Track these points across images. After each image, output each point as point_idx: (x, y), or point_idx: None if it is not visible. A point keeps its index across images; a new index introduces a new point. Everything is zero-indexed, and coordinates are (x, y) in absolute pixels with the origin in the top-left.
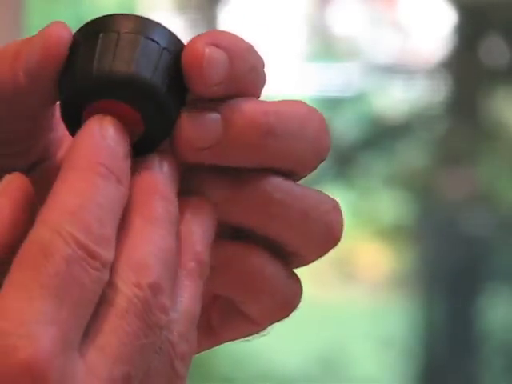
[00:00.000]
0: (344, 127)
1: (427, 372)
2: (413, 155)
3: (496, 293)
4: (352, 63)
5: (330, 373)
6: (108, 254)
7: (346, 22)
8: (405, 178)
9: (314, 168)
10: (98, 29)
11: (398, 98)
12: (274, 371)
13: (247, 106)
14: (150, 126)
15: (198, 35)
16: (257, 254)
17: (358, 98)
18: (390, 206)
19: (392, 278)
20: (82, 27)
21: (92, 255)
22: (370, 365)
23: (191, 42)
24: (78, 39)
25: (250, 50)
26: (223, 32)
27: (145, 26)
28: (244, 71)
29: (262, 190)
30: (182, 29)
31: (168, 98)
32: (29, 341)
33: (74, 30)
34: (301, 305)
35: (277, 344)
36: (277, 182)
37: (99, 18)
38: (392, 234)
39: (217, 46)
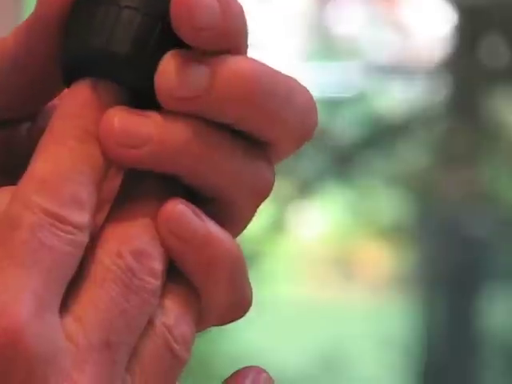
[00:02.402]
0: (344, 127)
1: (427, 372)
2: (413, 155)
3: (496, 292)
4: (352, 63)
5: (329, 372)
6: (81, 218)
7: (345, 21)
8: (405, 178)
9: (297, 146)
10: None
11: (397, 98)
12: (274, 371)
13: (236, 60)
14: (142, 92)
15: None
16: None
17: (358, 98)
18: (390, 205)
19: (392, 277)
20: None
21: (61, 220)
22: (369, 365)
23: None
24: (80, 2)
25: (242, 9)
26: None
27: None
28: (236, 27)
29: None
30: None
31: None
32: (2, 309)
33: None
34: (301, 305)
35: (277, 344)
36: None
37: None
38: (392, 233)
39: None
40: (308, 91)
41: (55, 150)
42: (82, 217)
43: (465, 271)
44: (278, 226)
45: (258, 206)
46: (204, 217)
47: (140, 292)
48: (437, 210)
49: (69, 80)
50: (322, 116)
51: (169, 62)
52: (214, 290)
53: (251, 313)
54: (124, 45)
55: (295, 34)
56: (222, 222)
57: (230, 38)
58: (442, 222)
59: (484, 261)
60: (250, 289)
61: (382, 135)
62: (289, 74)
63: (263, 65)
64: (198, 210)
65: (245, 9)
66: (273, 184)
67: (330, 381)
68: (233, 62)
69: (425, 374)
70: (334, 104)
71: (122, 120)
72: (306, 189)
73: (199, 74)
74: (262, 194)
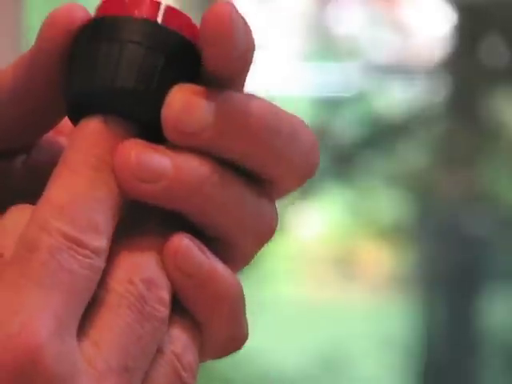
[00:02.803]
0: (344, 127)
1: (427, 372)
2: (412, 155)
3: (496, 292)
4: (352, 63)
5: (329, 372)
6: (98, 243)
7: (345, 21)
8: (405, 178)
9: (299, 184)
10: (103, 34)
11: (397, 98)
12: (273, 371)
13: (242, 97)
14: (152, 126)
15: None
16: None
17: (358, 98)
18: (389, 205)
19: (392, 277)
20: (87, 25)
21: (79, 244)
22: (369, 365)
23: (213, 8)
24: (83, 38)
25: (253, 44)
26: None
27: (150, 31)
28: (246, 64)
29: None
30: None
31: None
32: (21, 327)
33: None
34: (301, 305)
35: (277, 344)
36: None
37: (104, 18)
38: (392, 233)
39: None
40: (310, 129)
41: (71, 178)
42: (100, 242)
43: (465, 271)
44: (277, 227)
45: (260, 248)
46: (209, 253)
47: (152, 319)
48: (437, 210)
49: (75, 115)
50: (321, 116)
51: (175, 97)
52: (215, 325)
53: (251, 313)
54: (130, 80)
55: (295, 33)
56: (223, 260)
57: (239, 75)
58: (442, 222)
59: (484, 261)
60: (247, 323)
61: (381, 135)
62: (293, 113)
63: (268, 102)
64: (203, 246)
65: (244, 9)
66: (276, 227)
67: (330, 381)
68: (239, 99)
69: (425, 373)
70: (334, 104)
71: (138, 154)
72: (305, 189)
73: (205, 110)
74: (265, 237)
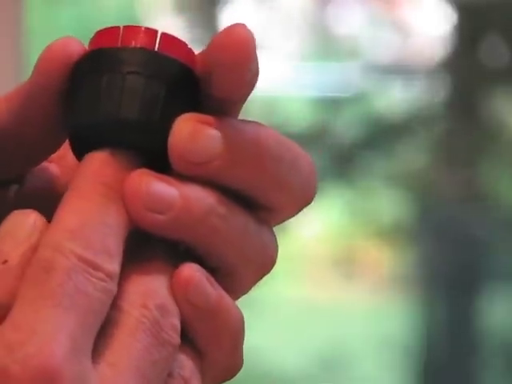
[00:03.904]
0: (344, 127)
1: (427, 372)
2: (413, 155)
3: (496, 292)
4: (352, 63)
5: (329, 372)
6: (111, 266)
7: (345, 21)
8: (405, 178)
9: (298, 211)
10: (102, 66)
11: (397, 98)
12: (274, 371)
13: (248, 126)
14: (157, 155)
15: (227, 28)
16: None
17: (358, 98)
18: (389, 205)
19: (392, 277)
20: (85, 58)
21: (94, 266)
22: (369, 365)
23: (229, 32)
24: (82, 71)
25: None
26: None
27: (149, 60)
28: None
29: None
30: (182, 29)
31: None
32: (40, 348)
33: (74, 33)
34: (301, 305)
35: (276, 344)
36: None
37: (101, 50)
38: (392, 233)
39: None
40: (309, 156)
41: (81, 204)
42: (112, 265)
43: (465, 271)
44: (277, 226)
45: (260, 278)
46: (216, 285)
47: (166, 345)
48: (437, 210)
49: (77, 146)
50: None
51: (181, 126)
52: (216, 354)
53: (251, 313)
54: (133, 111)
55: (295, 33)
56: (224, 289)
57: (244, 99)
58: (442, 222)
59: (484, 261)
60: (242, 353)
61: (381, 135)
62: (291, 140)
63: (271, 130)
64: (211, 278)
65: (244, 9)
66: (276, 259)
67: (329, 381)
68: (244, 127)
69: (425, 373)
70: (334, 104)
71: (148, 184)
72: None
73: (212, 140)
74: (265, 268)
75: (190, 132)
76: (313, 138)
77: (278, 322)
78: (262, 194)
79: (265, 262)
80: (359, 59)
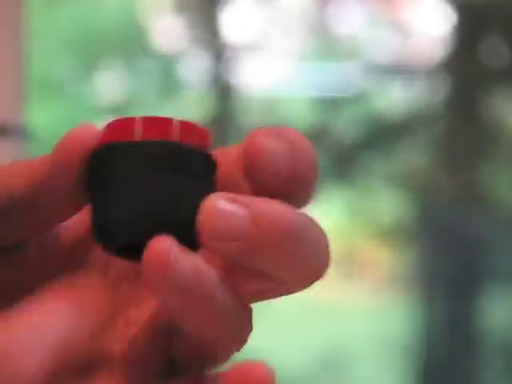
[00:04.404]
0: (344, 127)
1: (427, 372)
2: (412, 155)
3: (495, 293)
4: (352, 63)
5: (330, 372)
6: None
7: (346, 21)
8: (404, 178)
9: (311, 284)
10: (122, 164)
11: (397, 98)
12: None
13: (274, 206)
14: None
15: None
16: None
17: (358, 98)
18: (389, 205)
19: (392, 277)
20: (100, 156)
21: None
22: (369, 365)
23: (251, 137)
24: (106, 166)
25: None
26: (282, 127)
27: (171, 153)
28: (307, 166)
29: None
30: (181, 29)
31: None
32: None
33: (74, 33)
34: (300, 304)
35: (277, 344)
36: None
37: (120, 145)
38: (392, 233)
39: (277, 136)
40: (324, 232)
41: None
42: None
43: (465, 271)
44: None
45: (230, 355)
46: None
47: None
48: (437, 210)
49: (103, 238)
50: (321, 116)
51: (210, 204)
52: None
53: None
54: (164, 206)
55: (295, 33)
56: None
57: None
58: (442, 222)
59: (484, 261)
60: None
61: (381, 135)
62: (309, 216)
63: (295, 210)
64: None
65: (244, 9)
66: (245, 342)
67: (330, 380)
68: (271, 208)
69: (425, 373)
70: (334, 104)
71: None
72: None
73: (242, 219)
74: (238, 347)
75: (219, 210)
76: (313, 137)
77: (278, 321)
78: (276, 271)
79: (239, 342)
80: (359, 59)
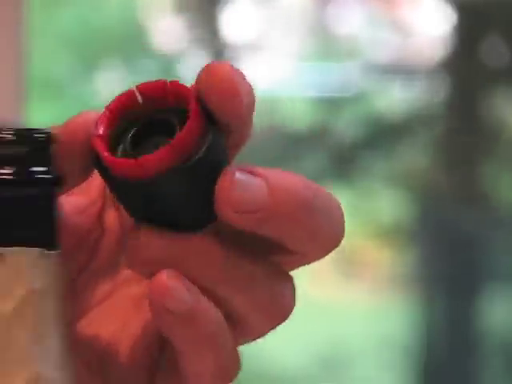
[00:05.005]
0: (344, 127)
1: (427, 372)
2: (413, 155)
3: (495, 293)
4: (352, 63)
5: (330, 372)
6: None
7: (345, 21)
8: (405, 178)
9: (326, 254)
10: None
11: (397, 98)
12: (274, 371)
13: (288, 177)
14: None
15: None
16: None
17: (358, 98)
18: (389, 205)
19: (392, 277)
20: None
21: None
22: (369, 364)
23: (213, 69)
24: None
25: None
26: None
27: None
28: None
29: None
30: (181, 29)
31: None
32: None
33: (74, 34)
34: (301, 304)
35: (277, 344)
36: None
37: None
38: (392, 233)
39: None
40: (339, 202)
41: None
42: None
43: (465, 271)
44: None
45: (272, 328)
46: (194, 289)
47: None
48: (437, 210)
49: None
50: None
51: (229, 178)
52: (198, 365)
53: None
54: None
55: (295, 33)
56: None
57: (249, 118)
58: (442, 222)
59: (484, 261)
60: (233, 353)
61: (381, 135)
62: (322, 188)
63: (309, 181)
64: (187, 282)
65: (244, 9)
66: (291, 311)
67: (329, 380)
68: (287, 179)
69: (425, 373)
70: (334, 104)
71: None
72: None
73: (259, 190)
74: (278, 319)
75: (236, 182)
76: (313, 138)
77: None
78: (294, 242)
79: (276, 314)
80: (359, 59)
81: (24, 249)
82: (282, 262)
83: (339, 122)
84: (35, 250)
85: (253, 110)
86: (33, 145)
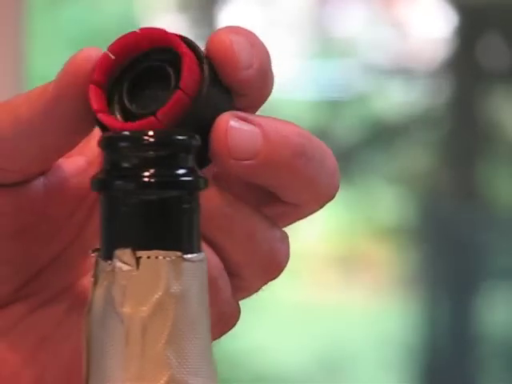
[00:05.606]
0: (344, 128)
1: (428, 372)
2: (413, 156)
3: (496, 293)
4: (352, 63)
5: (330, 373)
6: None
7: (345, 22)
8: (405, 179)
9: (321, 207)
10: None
11: (397, 99)
12: (273, 371)
13: (283, 124)
14: None
15: (219, 30)
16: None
17: (358, 99)
18: (390, 206)
19: (393, 277)
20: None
21: None
22: (369, 365)
23: (214, 36)
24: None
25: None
26: (238, 26)
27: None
28: (265, 58)
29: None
30: (181, 29)
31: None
32: None
33: (74, 34)
34: (301, 304)
35: (276, 344)
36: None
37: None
38: (393, 234)
39: (237, 33)
40: (332, 154)
41: None
42: None
43: (465, 271)
44: None
45: (266, 283)
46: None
47: None
48: (438, 211)
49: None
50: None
51: (223, 124)
52: None
53: (251, 313)
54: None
55: (295, 33)
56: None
57: (265, 73)
58: (443, 222)
59: (484, 261)
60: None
61: (382, 136)
62: (316, 137)
63: (302, 129)
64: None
65: (244, 9)
66: (284, 266)
67: (329, 380)
68: (281, 126)
69: (425, 373)
70: (334, 104)
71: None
72: None
73: (254, 136)
74: (271, 274)
75: (230, 128)
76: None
77: (278, 321)
78: (289, 191)
79: (272, 267)
80: (359, 59)
81: (161, 252)
82: (276, 215)
83: (340, 123)
84: (173, 254)
85: (261, 75)
86: (175, 147)
